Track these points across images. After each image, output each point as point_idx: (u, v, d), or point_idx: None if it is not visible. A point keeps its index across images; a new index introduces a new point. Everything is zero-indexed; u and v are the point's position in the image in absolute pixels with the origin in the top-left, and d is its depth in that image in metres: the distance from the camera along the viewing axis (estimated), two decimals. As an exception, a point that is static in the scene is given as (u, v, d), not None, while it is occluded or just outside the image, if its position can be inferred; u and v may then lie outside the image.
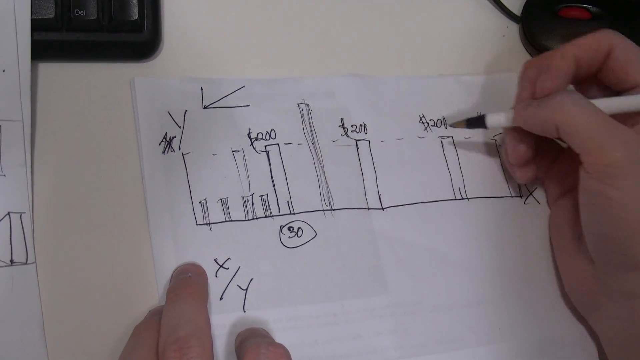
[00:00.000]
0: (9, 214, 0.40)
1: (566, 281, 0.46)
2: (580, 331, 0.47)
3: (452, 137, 0.49)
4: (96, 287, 0.41)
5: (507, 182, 0.49)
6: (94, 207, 0.42)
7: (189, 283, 0.40)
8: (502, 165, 0.50)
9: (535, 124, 0.43)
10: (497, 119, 0.46)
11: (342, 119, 0.48)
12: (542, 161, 0.48)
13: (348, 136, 0.47)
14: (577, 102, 0.41)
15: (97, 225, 0.42)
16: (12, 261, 0.40)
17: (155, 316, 0.38)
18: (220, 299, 0.41)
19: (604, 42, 0.43)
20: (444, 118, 0.50)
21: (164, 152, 0.43)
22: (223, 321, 0.41)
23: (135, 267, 0.41)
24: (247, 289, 0.42)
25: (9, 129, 0.41)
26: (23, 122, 0.41)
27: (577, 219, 0.44)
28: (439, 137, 0.49)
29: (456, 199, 0.48)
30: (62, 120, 0.43)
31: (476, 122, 0.47)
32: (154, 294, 0.41)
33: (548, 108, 0.41)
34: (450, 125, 0.49)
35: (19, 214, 0.40)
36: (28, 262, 0.40)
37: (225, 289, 0.42)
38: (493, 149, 0.50)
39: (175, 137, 0.44)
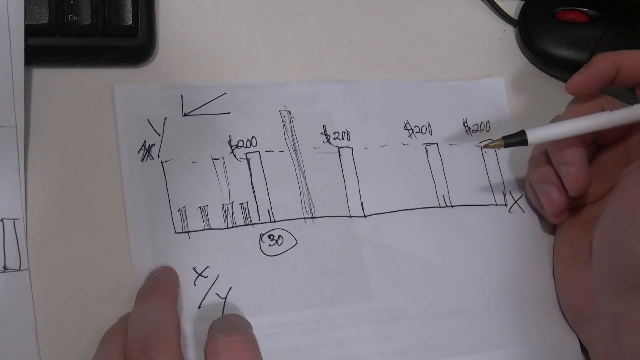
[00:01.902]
0: (2, 220, 0.40)
1: (560, 291, 0.46)
2: (566, 342, 0.46)
3: (436, 144, 0.49)
4: (89, 293, 0.41)
5: (491, 190, 0.49)
6: (87, 213, 0.42)
7: (155, 284, 0.40)
8: (487, 172, 0.49)
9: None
10: (542, 133, 0.43)
11: (324, 126, 0.47)
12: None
13: (330, 143, 0.47)
14: None
15: (89, 232, 0.42)
16: (5, 268, 0.40)
17: (125, 320, 0.38)
18: (199, 307, 0.41)
19: None
20: (428, 124, 0.49)
21: (142, 160, 0.43)
22: (202, 330, 0.40)
23: (121, 274, 0.41)
24: (226, 298, 0.42)
25: (2, 134, 0.41)
26: (17, 128, 0.41)
27: (585, 231, 0.44)
28: (423, 143, 0.49)
29: (440, 207, 0.48)
30: (56, 126, 0.43)
31: (514, 139, 0.43)
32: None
33: None
34: (485, 147, 0.44)
35: (13, 221, 0.40)
36: (21, 268, 0.40)
37: (204, 298, 0.41)
38: (478, 157, 0.49)
39: (154, 144, 0.44)
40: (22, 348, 0.39)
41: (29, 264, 0.40)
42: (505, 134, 0.44)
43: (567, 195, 0.45)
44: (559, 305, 0.47)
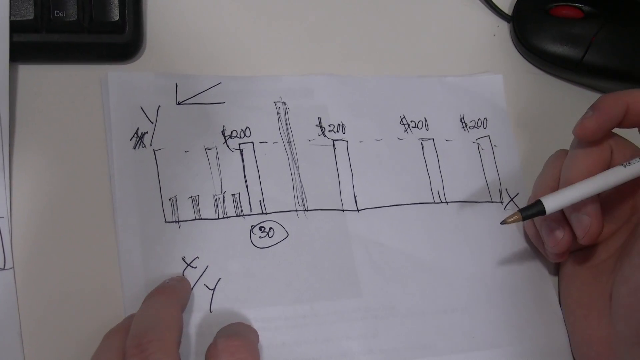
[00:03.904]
0: None
1: (574, 342, 0.45)
2: (558, 343, 0.46)
3: (432, 139, 0.48)
4: (75, 292, 0.40)
5: (487, 187, 0.48)
6: (74, 211, 0.42)
7: (163, 286, 0.40)
8: (483, 169, 0.49)
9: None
10: (559, 200, 0.41)
11: (319, 118, 0.47)
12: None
13: (325, 136, 0.47)
14: None
15: (77, 229, 0.41)
16: (-11, 267, 0.39)
17: (128, 319, 0.37)
18: (187, 298, 0.41)
19: None
20: (425, 119, 0.49)
21: (134, 148, 0.43)
22: (188, 321, 0.40)
23: (109, 270, 0.41)
24: (214, 289, 0.41)
25: (-13, 132, 0.41)
26: (1, 126, 0.41)
27: (594, 276, 0.43)
28: (419, 139, 0.48)
29: (435, 203, 0.47)
30: (43, 123, 0.43)
31: (532, 211, 0.41)
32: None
33: None
34: (502, 223, 0.42)
35: None
36: (6, 267, 0.39)
37: (192, 288, 0.41)
38: (474, 153, 0.49)
39: (147, 132, 0.43)
40: (6, 348, 0.38)
41: (13, 262, 0.40)
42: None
43: (573, 236, 0.43)
44: (572, 354, 0.45)
